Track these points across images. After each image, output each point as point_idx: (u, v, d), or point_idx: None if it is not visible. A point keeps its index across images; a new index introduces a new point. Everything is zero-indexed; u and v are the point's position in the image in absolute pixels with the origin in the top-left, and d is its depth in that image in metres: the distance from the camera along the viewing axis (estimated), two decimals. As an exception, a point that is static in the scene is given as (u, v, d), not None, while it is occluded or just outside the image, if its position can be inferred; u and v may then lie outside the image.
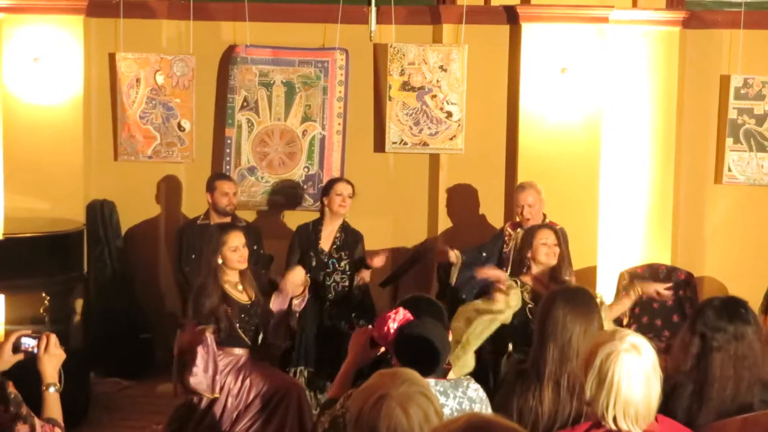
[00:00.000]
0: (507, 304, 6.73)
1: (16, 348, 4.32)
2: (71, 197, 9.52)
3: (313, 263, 8.35)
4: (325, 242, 8.40)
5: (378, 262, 8.31)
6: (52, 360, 4.33)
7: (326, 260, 8.40)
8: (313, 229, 8.49)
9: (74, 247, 9.13)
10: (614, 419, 3.77)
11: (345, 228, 8.51)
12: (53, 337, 4.35)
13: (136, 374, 9.35)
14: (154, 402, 8.63)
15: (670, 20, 9.46)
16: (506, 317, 6.75)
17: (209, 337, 6.79)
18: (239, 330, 7.05)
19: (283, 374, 7.56)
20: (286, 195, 9.64)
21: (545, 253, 7.13)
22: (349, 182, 8.62)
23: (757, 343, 4.56)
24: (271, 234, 9.07)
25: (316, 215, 8.60)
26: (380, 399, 3.22)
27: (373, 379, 3.36)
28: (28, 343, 4.32)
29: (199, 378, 6.74)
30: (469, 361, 6.60)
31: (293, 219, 9.23)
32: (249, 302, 7.13)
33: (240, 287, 7.13)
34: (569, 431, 4.17)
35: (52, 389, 4.31)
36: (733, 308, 4.62)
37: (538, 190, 8.43)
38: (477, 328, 6.66)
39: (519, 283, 7.07)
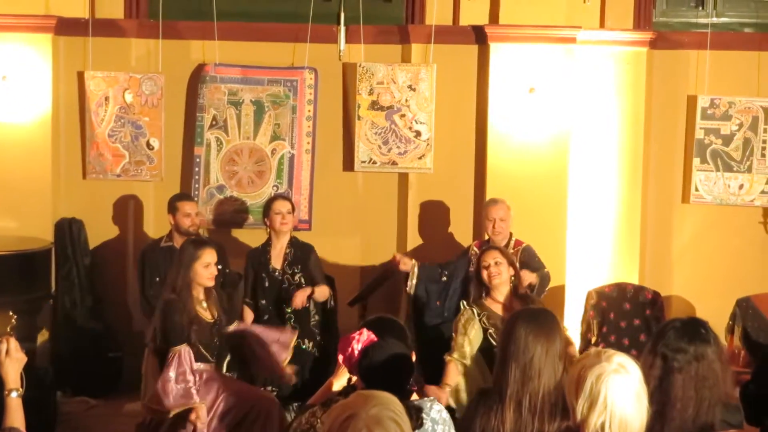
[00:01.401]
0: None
1: None
2: (39, 215, 9.48)
3: (266, 284, 8.39)
4: (276, 260, 8.45)
5: (297, 302, 8.34)
6: (14, 364, 4.30)
7: (281, 277, 8.42)
8: (263, 250, 8.54)
9: (42, 266, 9.11)
10: None
11: (294, 243, 8.54)
12: (13, 341, 4.31)
13: (104, 393, 9.32)
14: (121, 421, 8.58)
15: (637, 41, 9.53)
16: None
17: (184, 350, 6.86)
18: (202, 347, 7.05)
19: (257, 389, 7.56)
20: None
21: (488, 275, 7.18)
22: (286, 198, 8.70)
23: (718, 363, 4.58)
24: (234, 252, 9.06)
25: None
26: (349, 418, 3.23)
27: (350, 398, 3.39)
28: None
29: (175, 392, 6.76)
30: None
31: (253, 238, 9.21)
32: (212, 320, 7.15)
33: (204, 305, 7.14)
34: None
35: (14, 394, 4.28)
36: (693, 329, 4.63)
37: (508, 206, 8.50)
38: None
39: (475, 310, 7.14)
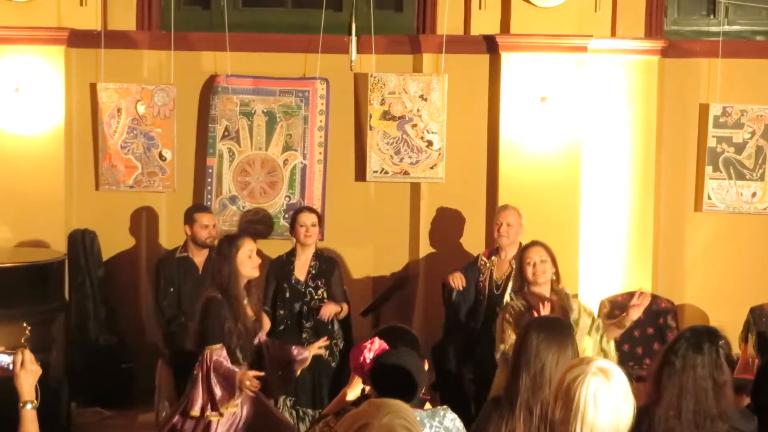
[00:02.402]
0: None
1: None
2: (52, 227, 9.50)
3: (287, 294, 8.38)
4: (300, 272, 8.43)
5: (326, 312, 8.32)
6: (29, 376, 4.30)
7: (303, 290, 8.41)
8: (287, 260, 8.53)
9: (55, 277, 9.11)
10: None
11: (319, 256, 8.54)
12: (29, 353, 4.31)
13: (117, 404, 9.33)
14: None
15: (648, 49, 9.53)
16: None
17: (221, 353, 6.70)
18: (239, 348, 6.84)
19: (276, 411, 7.45)
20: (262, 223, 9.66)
21: (532, 273, 7.14)
22: (312, 210, 8.67)
23: (707, 380, 4.62)
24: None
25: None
26: (362, 428, 3.22)
27: (362, 406, 3.38)
28: (4, 360, 4.28)
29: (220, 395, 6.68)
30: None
31: (272, 248, 9.21)
32: (254, 318, 6.97)
33: (245, 301, 6.90)
34: None
35: (29, 406, 4.29)
36: (697, 340, 4.69)
37: (520, 213, 8.50)
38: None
39: (513, 298, 7.21)
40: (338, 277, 8.55)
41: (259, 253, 7.12)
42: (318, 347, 7.25)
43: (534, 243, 7.33)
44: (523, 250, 7.34)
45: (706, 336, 4.73)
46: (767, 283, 9.42)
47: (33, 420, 4.30)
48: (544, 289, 7.15)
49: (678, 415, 4.57)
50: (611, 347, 7.04)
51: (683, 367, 4.65)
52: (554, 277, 7.21)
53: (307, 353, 7.16)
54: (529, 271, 7.11)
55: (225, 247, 6.90)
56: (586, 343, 6.97)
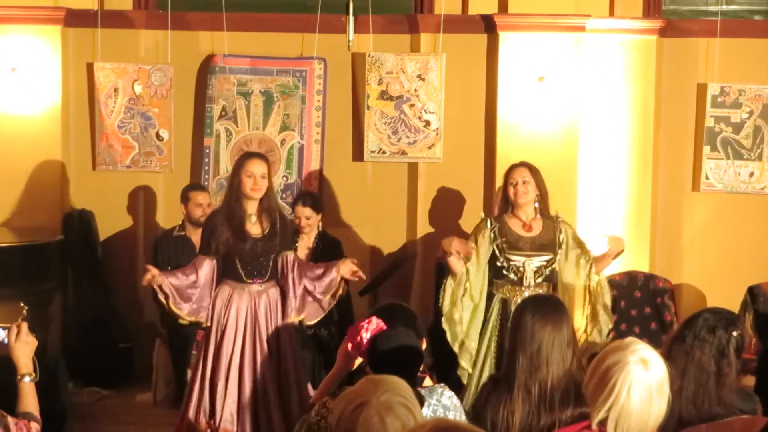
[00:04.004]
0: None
1: None
2: (49, 207, 9.50)
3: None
4: (302, 252, 8.41)
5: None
6: (24, 348, 4.31)
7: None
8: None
9: (52, 257, 9.12)
10: (606, 426, 3.77)
11: (322, 236, 8.53)
12: (24, 326, 4.33)
13: (115, 384, 9.33)
14: (132, 412, 8.62)
15: (646, 29, 9.50)
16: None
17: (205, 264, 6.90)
18: (238, 263, 6.96)
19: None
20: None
21: (513, 193, 7.26)
22: (310, 195, 8.68)
23: (711, 365, 4.66)
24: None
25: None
26: (360, 406, 3.22)
27: (358, 385, 3.37)
28: None
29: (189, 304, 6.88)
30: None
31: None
32: (260, 235, 7.00)
33: (254, 219, 6.99)
34: (564, 431, 4.19)
35: (27, 379, 4.30)
36: (712, 323, 4.71)
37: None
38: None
39: (491, 221, 7.32)
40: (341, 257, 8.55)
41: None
42: (351, 271, 7.17)
43: (521, 163, 7.45)
44: (508, 170, 7.42)
45: (724, 322, 4.75)
46: (765, 262, 9.43)
47: (32, 393, 4.32)
48: (528, 212, 7.26)
49: (679, 391, 4.59)
50: (601, 279, 7.36)
51: (692, 344, 4.68)
52: (538, 202, 7.28)
53: (334, 274, 7.13)
54: (511, 191, 7.21)
55: (234, 164, 7.18)
56: (571, 272, 7.21)
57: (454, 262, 7.30)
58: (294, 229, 7.96)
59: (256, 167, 6.95)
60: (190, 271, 6.97)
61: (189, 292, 6.92)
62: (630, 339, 3.90)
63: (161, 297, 6.90)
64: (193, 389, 7.02)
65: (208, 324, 6.99)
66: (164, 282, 6.83)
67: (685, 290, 9.66)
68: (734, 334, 4.75)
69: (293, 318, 7.06)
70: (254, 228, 6.98)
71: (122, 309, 9.68)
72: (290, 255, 7.12)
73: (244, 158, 7.09)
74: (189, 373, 7.65)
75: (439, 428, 2.71)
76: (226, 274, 7.02)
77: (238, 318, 6.96)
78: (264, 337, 6.97)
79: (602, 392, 3.75)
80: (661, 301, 9.20)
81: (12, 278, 8.61)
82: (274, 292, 7.08)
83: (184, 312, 6.92)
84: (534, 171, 7.31)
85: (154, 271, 6.82)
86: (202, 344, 7.16)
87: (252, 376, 6.95)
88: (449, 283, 7.34)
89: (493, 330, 7.26)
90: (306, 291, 7.06)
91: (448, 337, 7.33)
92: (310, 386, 7.32)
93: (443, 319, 7.38)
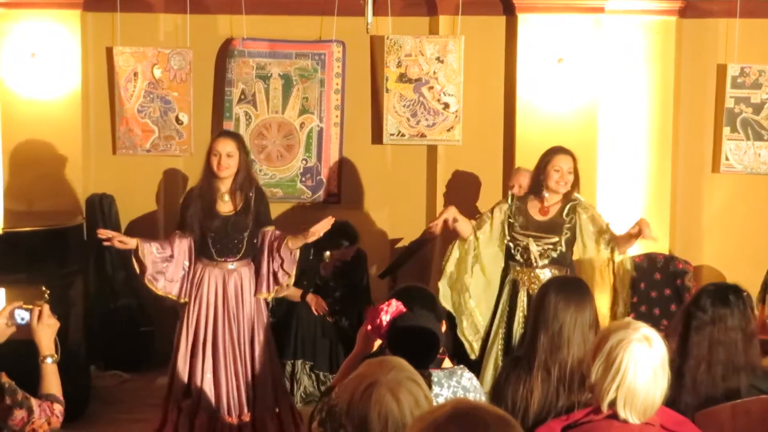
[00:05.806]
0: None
1: (10, 321, 4.33)
2: (70, 191, 9.55)
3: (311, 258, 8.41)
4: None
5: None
6: (47, 330, 4.33)
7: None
8: None
9: (74, 241, 9.14)
10: (614, 405, 3.78)
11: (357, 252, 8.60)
12: (46, 307, 4.35)
13: (136, 367, 9.40)
14: (153, 395, 8.62)
15: (666, 10, 9.47)
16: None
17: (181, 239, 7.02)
18: (210, 241, 7.01)
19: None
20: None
21: (555, 180, 7.17)
22: (346, 230, 8.66)
23: (737, 332, 4.68)
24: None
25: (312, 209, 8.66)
26: (370, 386, 3.24)
27: (361, 368, 3.38)
28: (21, 314, 4.34)
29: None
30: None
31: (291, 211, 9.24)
32: (231, 213, 7.05)
33: (226, 197, 7.05)
34: (570, 416, 4.18)
35: (49, 360, 4.32)
36: (722, 293, 4.75)
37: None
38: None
39: (511, 198, 7.35)
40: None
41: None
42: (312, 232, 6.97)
43: (564, 149, 7.31)
44: (550, 155, 7.27)
45: (731, 290, 4.79)
46: (785, 243, 9.42)
47: (54, 373, 4.34)
48: (556, 197, 7.21)
49: (708, 369, 4.62)
50: (624, 259, 7.27)
51: (712, 320, 4.70)
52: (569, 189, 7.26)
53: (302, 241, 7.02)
54: (553, 176, 7.14)
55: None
56: (592, 250, 7.18)
57: (461, 226, 7.30)
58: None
59: (222, 146, 7.02)
60: (165, 246, 7.10)
61: (163, 266, 7.03)
62: (627, 319, 3.93)
63: (137, 267, 7.00)
64: (176, 367, 7.14)
65: (186, 300, 7.09)
66: (143, 250, 6.96)
67: (705, 272, 9.65)
68: (744, 295, 4.80)
69: (264, 294, 7.13)
70: (225, 206, 7.05)
71: (143, 293, 9.68)
72: (269, 231, 7.16)
73: (213, 137, 7.22)
74: None
75: (458, 409, 2.71)
76: (201, 252, 7.10)
77: (209, 295, 7.05)
78: (233, 315, 7.05)
79: (609, 372, 3.77)
80: (681, 282, 9.18)
81: (34, 263, 8.64)
82: (246, 271, 7.14)
83: (158, 285, 7.05)
84: (576, 159, 7.25)
85: (115, 234, 7.07)
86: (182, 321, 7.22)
87: (224, 353, 7.03)
88: (457, 244, 7.33)
89: (503, 313, 7.24)
90: (281, 267, 7.12)
91: (443, 299, 7.25)
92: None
93: (443, 281, 7.33)
